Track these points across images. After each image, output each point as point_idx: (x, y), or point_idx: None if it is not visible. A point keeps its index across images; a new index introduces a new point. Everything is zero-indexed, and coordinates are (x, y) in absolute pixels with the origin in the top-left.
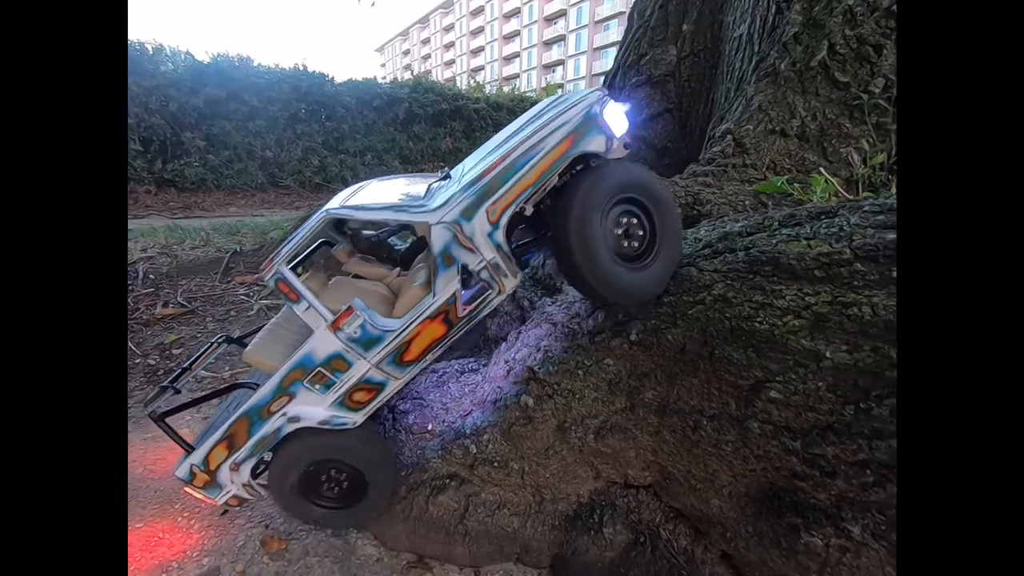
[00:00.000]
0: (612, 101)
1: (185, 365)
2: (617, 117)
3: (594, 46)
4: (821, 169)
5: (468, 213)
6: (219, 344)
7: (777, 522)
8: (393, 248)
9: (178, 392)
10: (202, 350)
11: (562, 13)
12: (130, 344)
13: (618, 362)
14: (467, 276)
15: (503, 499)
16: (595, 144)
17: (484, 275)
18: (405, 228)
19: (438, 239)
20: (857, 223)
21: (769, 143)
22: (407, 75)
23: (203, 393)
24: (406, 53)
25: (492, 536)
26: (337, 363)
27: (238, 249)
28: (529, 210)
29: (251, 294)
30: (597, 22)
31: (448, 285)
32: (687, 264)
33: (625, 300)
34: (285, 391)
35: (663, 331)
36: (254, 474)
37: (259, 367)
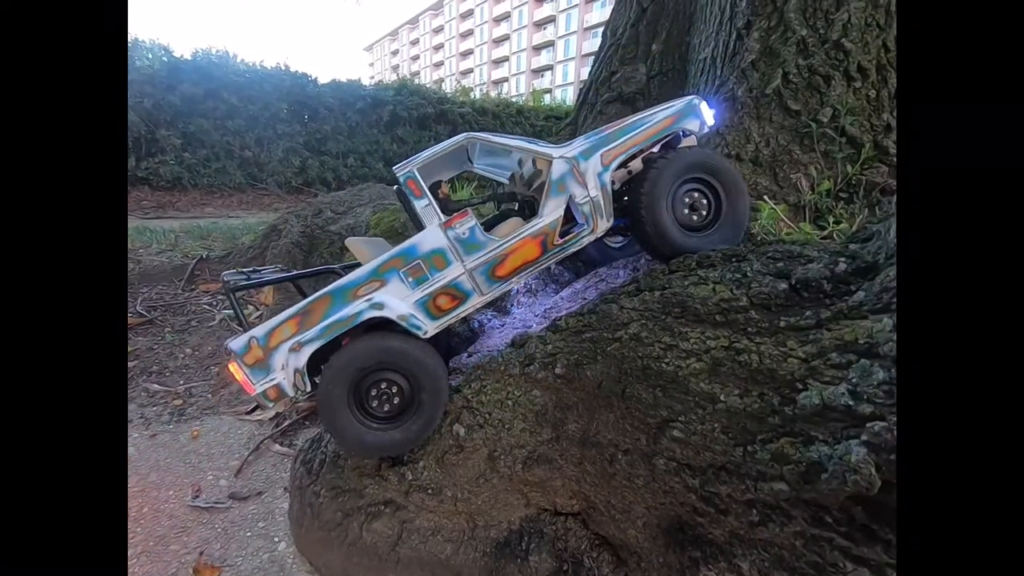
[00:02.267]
0: (706, 102)
1: (259, 268)
2: (708, 112)
3: (582, 52)
4: (765, 198)
5: (587, 154)
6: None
7: (681, 554)
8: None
9: (248, 279)
10: (270, 269)
11: (551, 19)
12: None
13: (545, 394)
14: (569, 209)
15: (438, 525)
16: (691, 124)
17: (586, 209)
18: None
19: (557, 169)
20: (759, 269)
21: None
22: (395, 76)
23: (283, 275)
24: (395, 53)
25: (425, 563)
26: (437, 259)
27: (205, 255)
28: (616, 184)
29: (214, 303)
30: (585, 29)
31: (555, 210)
32: (611, 300)
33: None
34: (379, 276)
35: (584, 366)
36: (309, 371)
37: (357, 255)
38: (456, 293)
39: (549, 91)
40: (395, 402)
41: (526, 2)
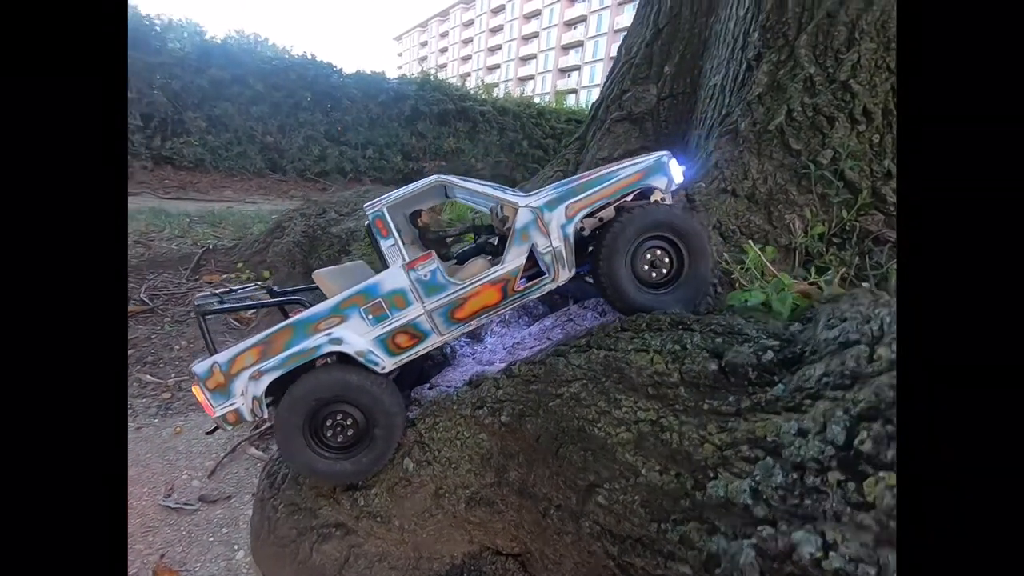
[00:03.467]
0: (675, 159)
1: (235, 288)
2: (677, 170)
3: (611, 55)
4: (750, 241)
5: (552, 204)
6: (258, 289)
7: None
8: (450, 249)
9: (222, 302)
10: (247, 288)
11: (582, 19)
12: None
13: (491, 439)
14: (531, 257)
15: (384, 552)
16: (659, 182)
17: (547, 259)
18: (473, 230)
19: (521, 219)
20: (698, 343)
21: (719, 202)
22: (422, 68)
23: (251, 301)
24: (423, 45)
25: None
26: (398, 299)
27: (212, 246)
28: (587, 231)
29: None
30: (616, 31)
31: (517, 258)
32: (561, 354)
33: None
34: (340, 312)
35: (527, 418)
36: (271, 396)
37: (322, 287)
38: (415, 332)
39: (574, 91)
40: (349, 433)
41: (558, 0)
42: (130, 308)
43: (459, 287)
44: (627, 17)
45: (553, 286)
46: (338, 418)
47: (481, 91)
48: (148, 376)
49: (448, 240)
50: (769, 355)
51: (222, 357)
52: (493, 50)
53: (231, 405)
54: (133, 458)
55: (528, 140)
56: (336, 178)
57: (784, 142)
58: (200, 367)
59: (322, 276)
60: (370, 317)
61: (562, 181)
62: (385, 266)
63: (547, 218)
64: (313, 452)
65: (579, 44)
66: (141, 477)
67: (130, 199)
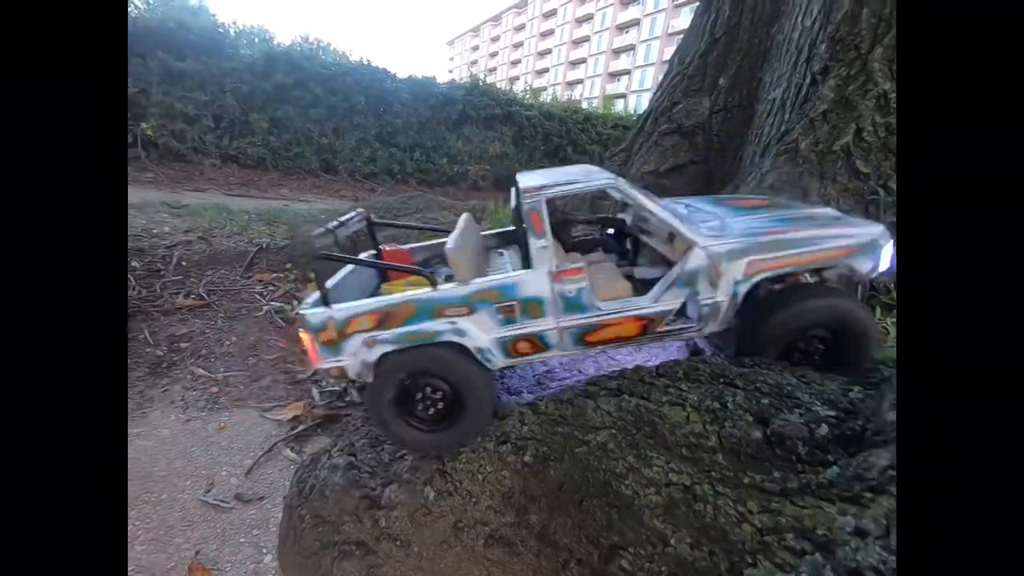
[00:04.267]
0: (891, 242)
1: (342, 219)
2: (887, 256)
3: (663, 59)
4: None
5: (734, 256)
6: (361, 218)
7: None
8: (571, 233)
9: (336, 242)
10: (349, 216)
11: (635, 22)
12: (145, 332)
13: (513, 477)
14: (686, 303)
15: None
16: (863, 265)
17: (705, 310)
18: (602, 221)
19: (695, 260)
20: (740, 403)
21: None
22: (471, 73)
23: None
24: (475, 49)
25: None
26: (533, 307)
27: (264, 244)
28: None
29: (264, 293)
30: (670, 34)
31: (672, 301)
32: (591, 395)
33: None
34: (470, 304)
35: (551, 462)
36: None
37: (455, 268)
38: (539, 343)
39: (623, 96)
40: (439, 407)
41: (611, 4)
42: (188, 302)
43: (601, 313)
44: (683, 20)
45: (696, 336)
46: (427, 391)
47: (528, 96)
48: (200, 369)
49: (574, 224)
50: (824, 429)
51: (339, 313)
52: (543, 54)
53: (339, 362)
54: (180, 450)
55: (573, 146)
56: (384, 179)
57: (850, 164)
58: (315, 317)
59: (455, 257)
60: (500, 317)
61: (746, 224)
62: (526, 263)
63: (723, 268)
64: (409, 426)
65: (631, 48)
66: (186, 470)
67: (198, 195)
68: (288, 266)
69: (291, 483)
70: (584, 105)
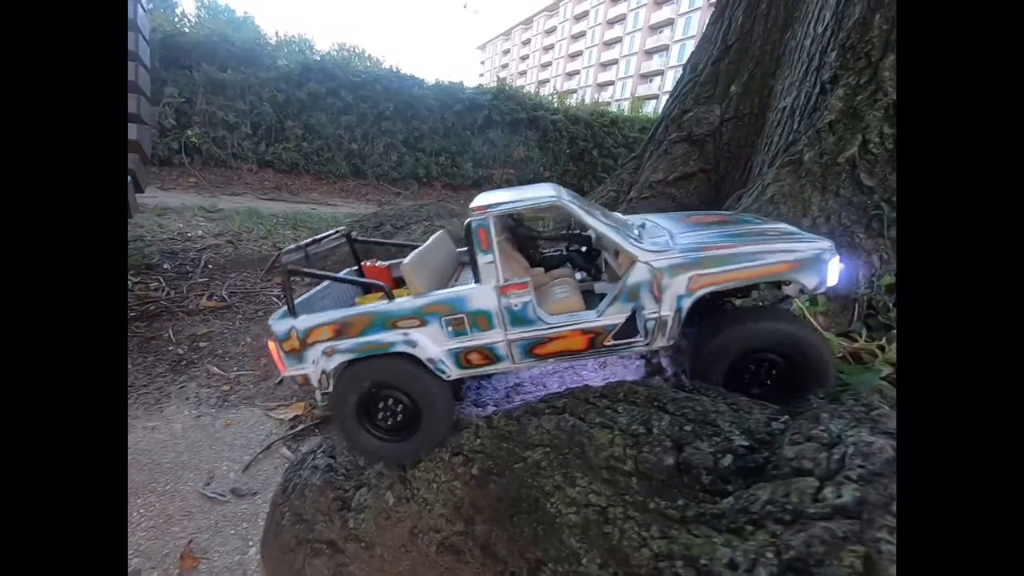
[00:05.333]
0: (838, 257)
1: (317, 237)
2: (835, 272)
3: None
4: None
5: (676, 271)
6: (339, 236)
7: None
8: (538, 250)
9: (307, 258)
10: (326, 234)
11: (669, 22)
12: (169, 331)
13: (463, 488)
14: (632, 317)
15: None
16: (808, 280)
17: (650, 324)
18: (568, 238)
19: (636, 274)
20: (664, 428)
21: None
22: (498, 77)
23: (331, 275)
24: (506, 52)
25: None
26: (481, 319)
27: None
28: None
29: (281, 297)
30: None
31: (617, 315)
32: (537, 412)
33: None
34: (421, 316)
35: (493, 475)
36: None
37: (409, 282)
38: (489, 355)
39: (655, 97)
40: (398, 419)
41: (644, 4)
42: (210, 304)
43: (547, 326)
44: None
45: (644, 351)
46: (388, 403)
47: (555, 99)
48: (215, 368)
49: (539, 241)
50: (728, 459)
51: (301, 324)
52: (574, 56)
53: (302, 369)
54: (188, 444)
55: (598, 149)
56: (410, 183)
57: (855, 177)
58: (279, 326)
59: (409, 271)
60: (449, 329)
61: (692, 239)
62: (476, 278)
63: (665, 283)
64: (369, 434)
65: (664, 48)
66: (190, 463)
67: (233, 200)
68: (269, 279)
69: (280, 481)
70: (613, 108)
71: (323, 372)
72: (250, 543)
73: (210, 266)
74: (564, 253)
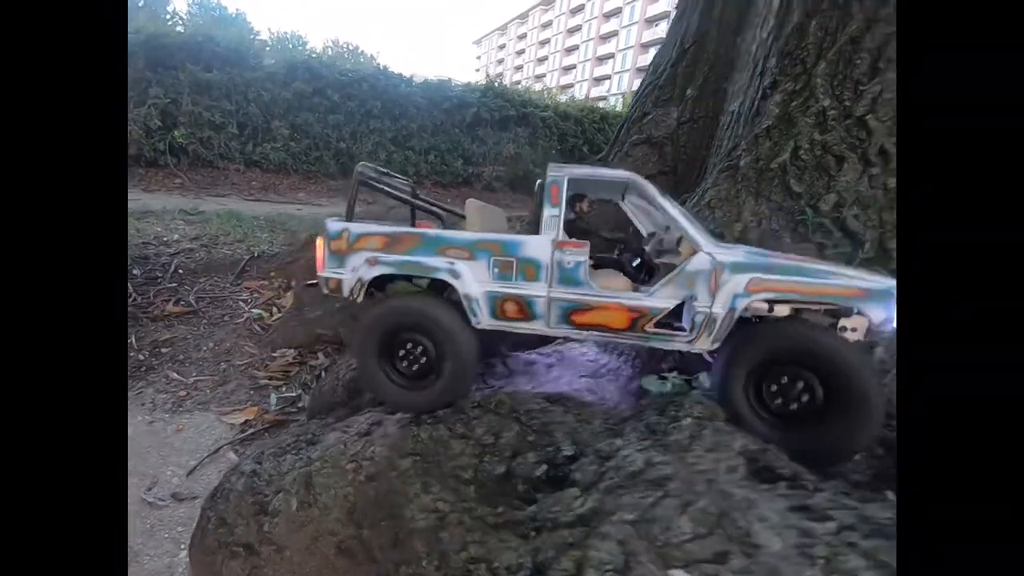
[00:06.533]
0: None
1: (392, 173)
2: (893, 315)
3: None
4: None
5: (739, 268)
6: (408, 185)
7: None
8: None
9: (378, 180)
10: (400, 179)
11: (666, 15)
12: (132, 338)
13: (355, 492)
14: (681, 305)
15: None
16: (874, 313)
17: (698, 318)
18: (624, 242)
19: (696, 263)
20: (509, 440)
21: None
22: (487, 73)
23: (404, 196)
24: (501, 47)
25: None
26: (529, 269)
27: (257, 253)
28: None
29: (249, 300)
30: None
31: (667, 300)
32: (415, 422)
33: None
34: (473, 249)
35: (374, 483)
36: (372, 287)
37: (468, 216)
38: (526, 309)
39: None
40: (421, 363)
41: None
42: (176, 309)
43: (593, 292)
44: None
45: (685, 348)
46: (409, 347)
47: (547, 95)
48: (174, 374)
49: (596, 238)
50: (542, 469)
51: (355, 228)
52: (570, 50)
53: (338, 274)
54: (136, 449)
55: (588, 145)
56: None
57: (785, 183)
58: (333, 225)
59: (473, 208)
60: (496, 270)
61: (764, 253)
62: (536, 231)
63: (724, 278)
64: (391, 381)
65: (660, 42)
66: (136, 469)
67: (217, 201)
68: (272, 273)
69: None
70: (611, 101)
71: (359, 280)
72: (182, 546)
73: (180, 271)
74: (615, 257)
